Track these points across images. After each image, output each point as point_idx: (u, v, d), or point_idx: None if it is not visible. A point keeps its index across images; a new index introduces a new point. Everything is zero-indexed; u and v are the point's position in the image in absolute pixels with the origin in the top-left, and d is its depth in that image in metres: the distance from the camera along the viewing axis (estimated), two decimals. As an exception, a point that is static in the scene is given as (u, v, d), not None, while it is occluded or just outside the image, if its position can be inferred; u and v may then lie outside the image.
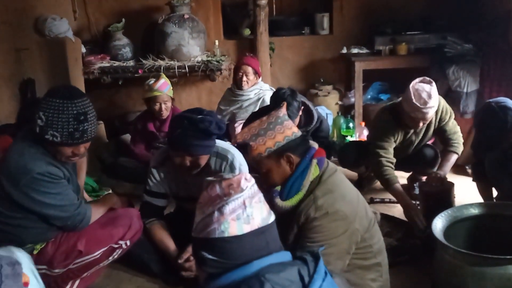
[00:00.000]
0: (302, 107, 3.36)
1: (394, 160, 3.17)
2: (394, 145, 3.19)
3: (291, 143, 1.89)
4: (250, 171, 2.77)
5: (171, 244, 2.56)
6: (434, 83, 2.96)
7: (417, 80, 2.96)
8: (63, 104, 2.09)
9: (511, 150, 2.67)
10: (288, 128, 1.91)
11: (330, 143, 3.86)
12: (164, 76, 3.72)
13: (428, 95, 2.88)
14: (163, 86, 3.60)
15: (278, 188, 1.94)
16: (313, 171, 1.90)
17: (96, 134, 2.25)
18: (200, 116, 2.32)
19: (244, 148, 1.96)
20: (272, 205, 1.90)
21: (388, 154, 3.15)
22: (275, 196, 1.91)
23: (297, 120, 3.35)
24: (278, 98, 3.17)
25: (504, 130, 2.57)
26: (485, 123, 2.63)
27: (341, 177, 2.00)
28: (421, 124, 3.06)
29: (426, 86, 2.91)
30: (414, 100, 2.88)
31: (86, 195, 2.94)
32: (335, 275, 1.29)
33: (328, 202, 1.85)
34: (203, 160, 2.44)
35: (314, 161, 1.92)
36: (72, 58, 4.12)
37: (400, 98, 3.19)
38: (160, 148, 3.70)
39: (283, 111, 1.96)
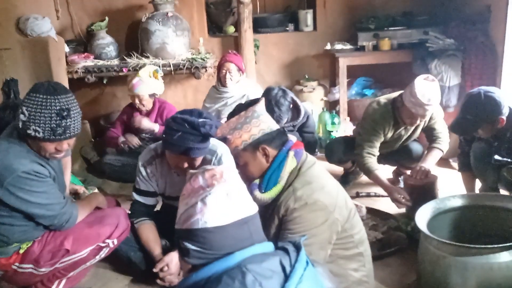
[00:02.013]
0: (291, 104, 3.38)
1: (377, 154, 3.21)
2: (381, 139, 3.22)
3: (266, 136, 1.92)
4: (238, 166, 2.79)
5: (156, 248, 2.55)
6: (437, 82, 3.01)
7: (422, 77, 2.99)
8: (46, 99, 2.08)
9: (496, 142, 2.72)
10: (263, 122, 1.94)
11: (315, 138, 3.89)
12: (142, 74, 3.69)
13: (432, 93, 2.92)
14: (135, 86, 3.64)
15: (257, 181, 1.96)
16: (290, 163, 1.93)
17: (80, 131, 2.23)
18: (202, 120, 2.30)
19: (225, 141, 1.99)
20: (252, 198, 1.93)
21: (372, 148, 3.19)
22: (253, 189, 1.93)
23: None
24: (268, 100, 3.16)
25: (481, 118, 2.62)
26: (467, 106, 2.68)
27: (320, 169, 2.02)
28: (418, 121, 3.09)
29: (431, 84, 2.95)
30: (418, 96, 2.90)
31: (82, 189, 2.91)
32: (317, 265, 1.30)
33: (307, 193, 1.87)
34: (199, 161, 2.43)
35: (291, 153, 1.94)
36: (55, 57, 4.08)
37: (396, 93, 3.22)
38: (147, 139, 3.72)
39: (260, 106, 1.99)
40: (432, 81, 2.97)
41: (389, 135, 3.24)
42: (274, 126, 1.97)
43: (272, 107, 3.18)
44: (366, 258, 2.08)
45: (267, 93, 3.28)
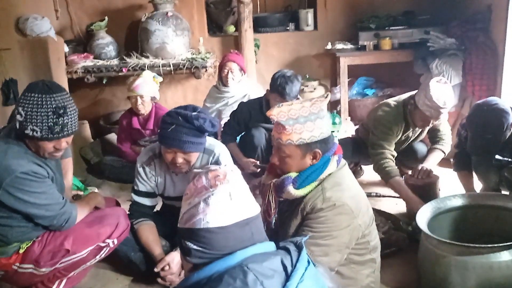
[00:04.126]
0: None
1: (395, 154, 3.15)
2: (396, 139, 3.18)
3: (323, 141, 1.86)
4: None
5: (156, 249, 2.55)
6: (449, 84, 2.99)
7: (435, 80, 2.96)
8: (41, 98, 2.08)
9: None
10: (325, 125, 1.86)
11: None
12: (145, 74, 3.73)
13: (447, 96, 2.91)
14: (138, 87, 3.66)
15: (292, 175, 1.89)
16: (331, 167, 1.90)
17: (77, 129, 2.23)
18: (195, 113, 2.31)
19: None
20: (281, 190, 1.88)
21: (391, 147, 3.13)
22: (288, 182, 1.87)
23: None
24: (280, 75, 3.12)
25: (501, 132, 2.61)
26: (482, 128, 2.65)
27: (348, 172, 2.01)
28: (430, 124, 3.06)
29: (445, 87, 2.93)
30: (434, 99, 2.87)
31: (74, 193, 2.91)
32: (319, 265, 1.30)
33: (336, 195, 1.85)
34: (194, 157, 2.43)
35: (335, 157, 1.91)
36: (54, 57, 4.07)
37: (404, 95, 3.19)
38: (145, 145, 3.72)
39: (325, 104, 1.88)
40: (445, 84, 2.95)
41: (400, 135, 3.21)
42: (329, 130, 1.90)
43: (284, 80, 3.10)
44: (377, 265, 2.08)
45: (277, 72, 3.21)
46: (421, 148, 3.42)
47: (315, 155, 1.86)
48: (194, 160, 2.43)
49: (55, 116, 2.09)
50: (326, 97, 1.88)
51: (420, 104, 2.97)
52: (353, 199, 1.89)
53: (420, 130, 3.26)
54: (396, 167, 3.11)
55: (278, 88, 3.13)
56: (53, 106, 2.09)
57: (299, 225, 1.91)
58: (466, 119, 2.83)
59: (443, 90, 2.91)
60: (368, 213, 1.99)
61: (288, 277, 1.16)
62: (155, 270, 2.46)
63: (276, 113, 1.82)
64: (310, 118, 1.81)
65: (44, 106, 2.08)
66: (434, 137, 3.30)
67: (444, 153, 3.28)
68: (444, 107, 2.90)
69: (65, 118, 2.12)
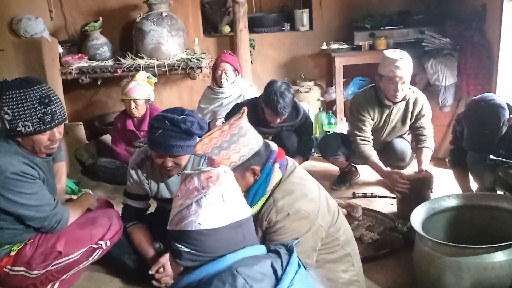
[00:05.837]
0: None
1: (371, 138, 3.28)
2: (371, 123, 3.27)
3: (256, 155, 1.81)
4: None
5: (149, 251, 2.53)
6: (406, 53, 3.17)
7: (388, 50, 3.22)
8: (23, 93, 2.08)
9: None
10: (251, 140, 1.81)
11: (312, 140, 3.87)
12: (139, 77, 3.69)
13: (400, 52, 3.12)
14: (131, 91, 3.64)
15: None
16: (276, 176, 1.87)
17: (66, 117, 2.22)
18: (182, 117, 2.28)
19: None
20: None
21: (365, 133, 3.27)
22: None
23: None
24: (272, 91, 3.19)
25: (498, 127, 2.60)
26: (479, 123, 2.63)
27: (300, 174, 1.96)
28: (398, 89, 3.08)
29: (399, 51, 3.14)
30: (388, 56, 3.05)
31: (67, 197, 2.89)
32: (309, 268, 1.29)
33: (288, 202, 1.83)
34: (184, 160, 2.41)
35: (276, 165, 1.87)
36: (48, 58, 4.06)
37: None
38: (140, 147, 3.71)
39: (245, 120, 1.83)
40: (400, 52, 3.13)
41: (376, 117, 3.28)
42: (260, 140, 1.86)
43: (276, 98, 3.19)
44: (354, 257, 2.05)
45: (270, 84, 3.27)
46: (400, 145, 3.41)
47: (254, 171, 1.83)
48: (184, 163, 2.41)
49: (42, 107, 2.09)
50: (242, 113, 1.84)
51: (381, 71, 3.12)
52: (309, 202, 1.86)
53: (399, 118, 3.27)
54: (371, 148, 3.25)
55: (271, 107, 3.24)
56: (37, 97, 2.09)
57: (262, 240, 1.88)
58: (463, 114, 2.83)
59: (396, 51, 3.13)
60: (330, 211, 1.95)
61: (278, 280, 1.15)
62: (150, 272, 2.44)
63: (200, 148, 1.78)
64: (232, 140, 1.77)
65: (28, 100, 2.07)
66: (419, 135, 3.31)
67: (432, 149, 3.30)
68: (400, 59, 3.03)
69: (52, 106, 2.12)
